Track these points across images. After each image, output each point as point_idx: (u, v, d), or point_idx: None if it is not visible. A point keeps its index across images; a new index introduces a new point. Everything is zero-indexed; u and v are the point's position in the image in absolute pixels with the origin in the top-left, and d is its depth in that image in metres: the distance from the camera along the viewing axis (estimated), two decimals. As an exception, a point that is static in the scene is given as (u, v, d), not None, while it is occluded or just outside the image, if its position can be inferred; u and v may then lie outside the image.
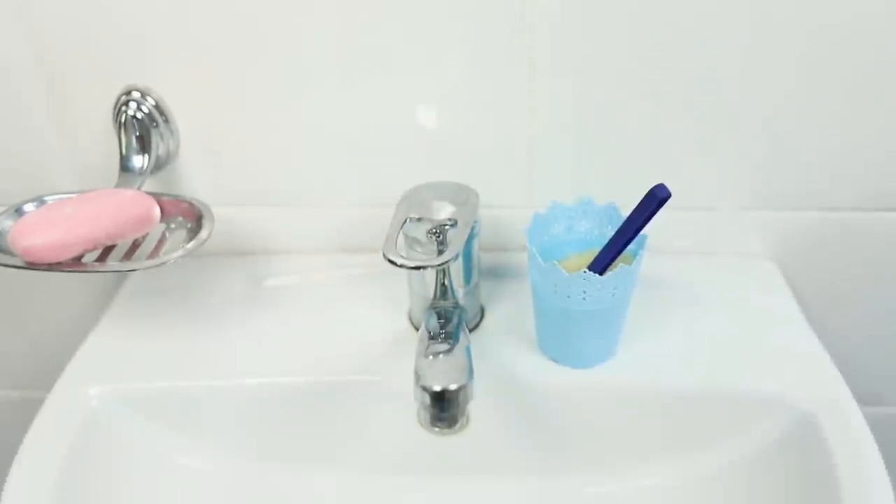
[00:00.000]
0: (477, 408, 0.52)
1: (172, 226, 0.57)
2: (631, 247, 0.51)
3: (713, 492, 0.54)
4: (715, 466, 0.55)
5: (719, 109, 0.59)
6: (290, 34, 0.56)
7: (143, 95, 0.58)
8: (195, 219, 0.57)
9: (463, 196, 0.55)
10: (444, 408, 0.46)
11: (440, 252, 0.52)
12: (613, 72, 0.57)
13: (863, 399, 0.53)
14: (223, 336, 0.60)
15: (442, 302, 0.56)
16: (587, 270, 0.50)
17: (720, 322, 0.60)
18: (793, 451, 0.52)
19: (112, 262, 0.53)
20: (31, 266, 0.52)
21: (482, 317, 0.61)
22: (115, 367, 0.57)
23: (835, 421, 0.51)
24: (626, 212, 0.50)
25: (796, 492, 0.51)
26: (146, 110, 0.58)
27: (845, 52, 0.56)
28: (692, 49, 0.56)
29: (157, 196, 0.57)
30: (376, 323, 0.60)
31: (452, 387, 0.46)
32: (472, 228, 0.54)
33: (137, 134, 0.58)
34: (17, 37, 0.57)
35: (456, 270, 0.56)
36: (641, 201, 0.48)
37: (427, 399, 0.46)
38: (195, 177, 0.63)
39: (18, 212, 0.56)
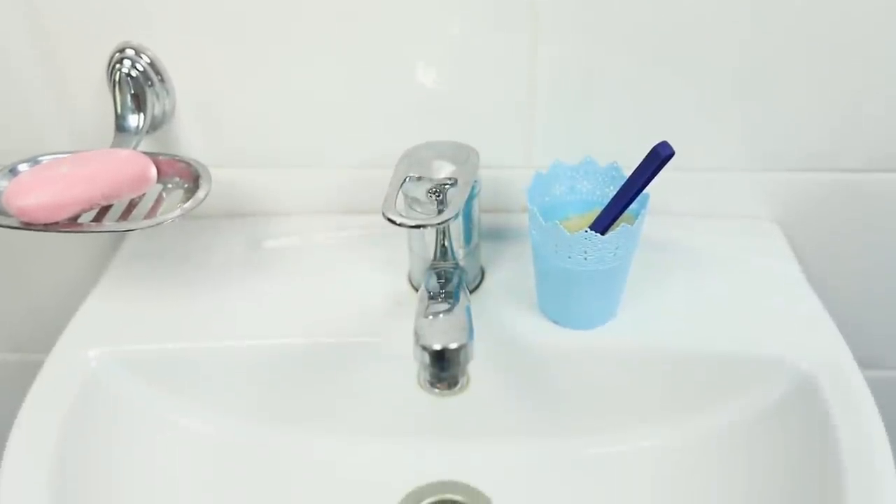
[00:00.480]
0: (477, 369, 0.52)
1: (169, 186, 0.57)
2: (633, 206, 0.50)
3: (713, 453, 0.55)
4: (715, 428, 0.55)
5: (722, 70, 0.58)
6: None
7: (138, 53, 0.57)
8: (192, 179, 0.56)
9: (463, 155, 0.54)
10: (444, 367, 0.46)
11: (440, 211, 0.52)
12: (616, 31, 0.56)
13: (863, 362, 0.53)
14: (222, 298, 0.59)
15: (442, 263, 0.55)
16: (589, 230, 0.50)
17: (721, 284, 0.59)
18: (793, 413, 0.52)
19: (108, 223, 0.53)
20: (27, 226, 0.51)
21: (482, 278, 0.61)
22: (114, 329, 0.57)
23: (835, 383, 0.51)
24: (629, 173, 0.50)
25: (796, 453, 0.51)
26: (141, 68, 0.58)
27: (847, 12, 0.55)
28: (695, 9, 0.55)
29: (153, 156, 0.56)
30: (376, 285, 0.60)
31: (452, 345, 0.45)
32: (473, 188, 0.53)
33: (132, 92, 0.58)
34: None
35: (456, 231, 0.55)
36: (644, 159, 0.48)
37: (427, 358, 0.46)
38: (192, 138, 0.63)
39: (13, 172, 0.55)
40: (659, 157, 0.47)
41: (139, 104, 0.58)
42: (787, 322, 0.56)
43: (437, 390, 0.48)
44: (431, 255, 0.56)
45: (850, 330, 0.56)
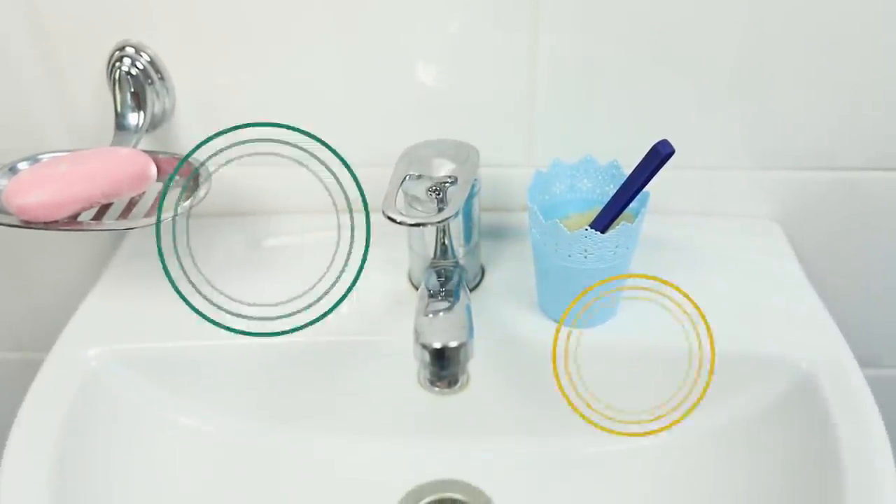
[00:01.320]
0: (477, 368, 0.52)
1: (169, 184, 0.57)
2: (633, 205, 0.51)
3: (713, 451, 0.55)
4: (715, 426, 0.55)
5: (722, 68, 0.58)
6: (287, -11, 0.56)
7: (138, 51, 0.57)
8: (192, 178, 0.56)
9: (463, 153, 0.54)
10: (444, 366, 0.46)
11: (440, 210, 0.52)
12: (616, 28, 0.56)
13: (863, 361, 0.53)
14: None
15: (442, 261, 0.55)
16: (589, 228, 0.50)
17: (721, 282, 0.59)
18: (793, 412, 0.52)
19: (108, 221, 0.53)
20: (27, 225, 0.51)
21: (482, 277, 0.61)
22: (114, 327, 0.57)
23: (835, 381, 0.51)
24: (629, 171, 0.50)
25: (797, 452, 0.51)
26: (141, 66, 0.58)
27: (846, 10, 0.55)
28: (695, 7, 0.55)
29: (153, 154, 0.56)
30: (376, 283, 0.60)
31: (452, 344, 0.45)
32: (473, 187, 0.53)
33: (132, 90, 0.58)
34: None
35: (456, 229, 0.55)
36: (644, 158, 0.48)
37: (427, 357, 0.46)
38: (192, 136, 0.62)
39: (12, 170, 0.55)
40: (659, 156, 0.47)
41: (139, 102, 0.58)
42: (787, 320, 0.56)
43: (437, 389, 0.48)
44: (431, 254, 0.56)
45: (850, 328, 0.56)
